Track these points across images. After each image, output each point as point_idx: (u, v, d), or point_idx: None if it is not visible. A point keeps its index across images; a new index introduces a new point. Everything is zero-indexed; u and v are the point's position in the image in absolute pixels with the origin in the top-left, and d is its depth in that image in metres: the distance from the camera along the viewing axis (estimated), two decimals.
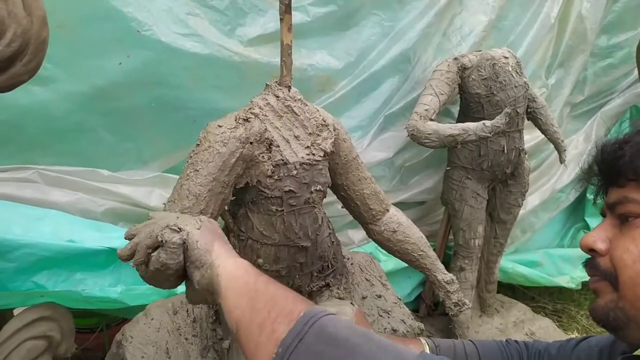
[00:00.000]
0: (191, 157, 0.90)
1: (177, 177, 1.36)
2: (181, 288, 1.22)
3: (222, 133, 0.89)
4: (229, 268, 0.64)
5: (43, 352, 1.03)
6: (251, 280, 0.62)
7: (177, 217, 0.72)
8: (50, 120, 1.22)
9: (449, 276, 1.13)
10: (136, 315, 1.10)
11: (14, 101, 1.14)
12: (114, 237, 1.21)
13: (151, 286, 1.17)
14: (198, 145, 0.91)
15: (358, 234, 1.75)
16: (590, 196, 2.59)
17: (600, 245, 0.66)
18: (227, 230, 1.02)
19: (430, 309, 2.02)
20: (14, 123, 1.19)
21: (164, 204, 0.91)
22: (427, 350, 1.02)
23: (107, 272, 1.21)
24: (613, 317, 0.63)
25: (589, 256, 0.74)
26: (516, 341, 1.00)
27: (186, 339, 1.08)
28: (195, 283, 0.67)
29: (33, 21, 0.71)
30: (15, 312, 1.19)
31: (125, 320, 1.79)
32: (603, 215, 0.70)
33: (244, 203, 0.97)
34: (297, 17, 1.42)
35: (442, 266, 1.14)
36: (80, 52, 1.17)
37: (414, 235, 1.13)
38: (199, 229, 0.70)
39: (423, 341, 1.05)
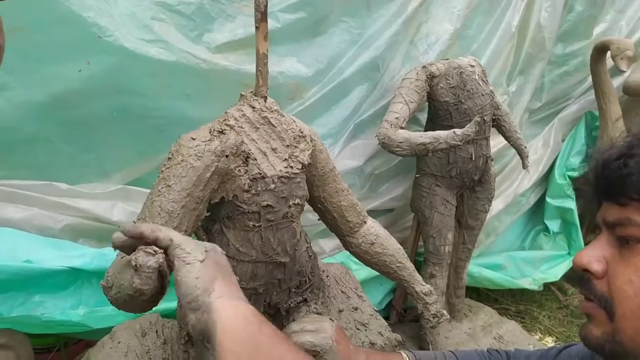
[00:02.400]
0: (162, 171, 0.85)
1: (142, 189, 1.32)
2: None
3: (196, 146, 0.84)
4: (229, 313, 0.56)
5: None
6: (254, 332, 0.55)
7: (184, 239, 0.63)
8: (1, 130, 1.14)
9: (427, 287, 1.11)
10: (101, 339, 1.03)
11: None
12: (75, 256, 1.13)
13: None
14: (170, 159, 0.85)
15: (330, 243, 1.73)
16: (549, 200, 2.68)
17: (597, 267, 0.61)
18: None
19: (401, 315, 2.02)
20: None
21: (134, 221, 0.85)
22: None
23: (68, 293, 1.13)
24: (609, 349, 0.60)
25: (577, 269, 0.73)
26: (497, 351, 0.99)
27: None
28: (189, 327, 0.58)
29: None
30: None
31: (84, 340, 1.69)
32: (604, 224, 0.63)
33: (219, 218, 0.93)
34: (268, 23, 1.39)
35: (420, 277, 1.12)
36: (35, 58, 1.10)
37: (392, 247, 1.11)
38: (202, 260, 0.60)
39: (404, 355, 1.03)
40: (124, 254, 0.79)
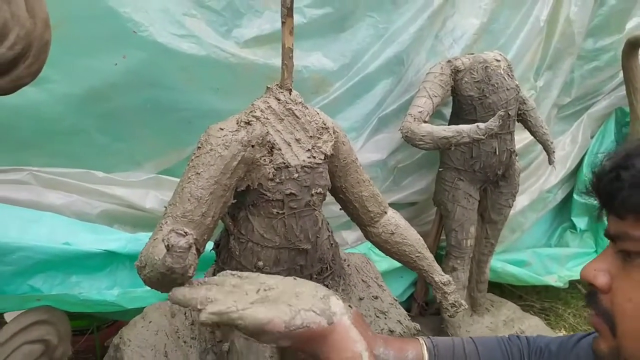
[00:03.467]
0: (192, 160, 0.90)
1: (173, 178, 1.38)
2: None
3: (224, 136, 0.89)
4: None
5: (39, 357, 1.01)
6: None
7: (322, 297, 0.63)
8: (43, 121, 1.21)
9: (446, 277, 1.14)
10: (134, 318, 1.10)
11: (6, 102, 1.13)
12: (110, 240, 1.20)
13: (149, 289, 1.17)
14: (199, 148, 0.90)
15: (352, 234, 1.76)
16: (577, 197, 2.65)
17: (602, 281, 0.59)
18: (226, 233, 1.02)
19: (422, 308, 2.04)
20: (7, 124, 1.18)
21: (165, 207, 0.90)
22: (425, 350, 1.03)
23: (103, 274, 1.20)
24: None
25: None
26: (518, 337, 1.00)
27: (185, 342, 1.08)
28: None
29: (36, 23, 0.70)
30: (7, 315, 1.18)
31: (115, 323, 1.77)
32: (607, 236, 0.62)
33: (245, 206, 0.97)
34: (294, 18, 1.42)
35: (439, 268, 1.15)
36: (75, 53, 1.16)
37: (412, 237, 1.14)
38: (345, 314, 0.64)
39: (421, 341, 1.06)
40: (157, 237, 0.84)
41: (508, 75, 1.67)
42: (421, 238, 1.16)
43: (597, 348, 0.62)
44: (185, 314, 1.14)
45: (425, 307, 2.05)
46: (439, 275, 1.14)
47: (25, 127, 1.19)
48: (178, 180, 1.37)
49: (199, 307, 0.63)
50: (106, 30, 1.16)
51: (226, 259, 1.02)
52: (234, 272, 0.70)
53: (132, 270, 1.23)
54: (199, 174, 0.88)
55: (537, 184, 2.39)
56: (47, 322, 1.04)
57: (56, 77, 1.17)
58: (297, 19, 1.44)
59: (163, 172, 1.39)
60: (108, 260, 1.20)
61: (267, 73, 1.39)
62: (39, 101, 1.16)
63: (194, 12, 1.28)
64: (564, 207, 2.74)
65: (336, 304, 0.65)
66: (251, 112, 0.93)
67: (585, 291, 0.63)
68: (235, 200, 0.96)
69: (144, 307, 1.14)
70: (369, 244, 1.79)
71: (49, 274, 1.12)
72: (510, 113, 1.65)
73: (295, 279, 0.69)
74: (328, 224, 1.08)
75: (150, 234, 1.25)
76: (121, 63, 1.20)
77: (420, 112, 1.53)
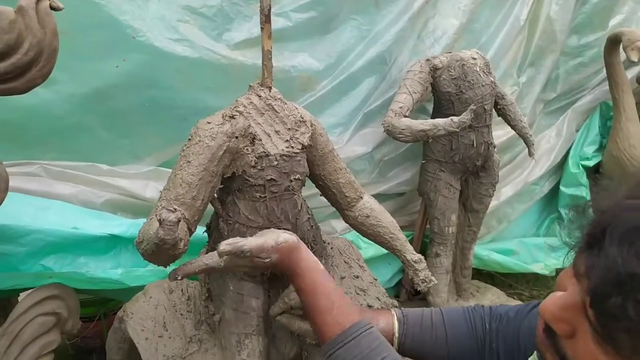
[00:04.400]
0: (184, 150, 1.02)
1: (171, 170, 1.50)
2: None
3: (210, 129, 1.01)
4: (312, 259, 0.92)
5: (52, 328, 1.15)
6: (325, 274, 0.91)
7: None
8: (52, 119, 1.33)
9: (417, 256, 1.25)
10: (136, 295, 1.22)
11: (19, 102, 1.25)
12: (114, 225, 1.33)
13: (149, 269, 1.30)
14: (189, 139, 1.03)
15: (340, 223, 1.87)
16: (563, 188, 2.74)
17: (561, 328, 0.56)
18: (216, 216, 1.14)
19: (411, 294, 2.15)
20: (19, 122, 1.31)
21: (160, 191, 1.02)
22: (395, 320, 1.14)
23: (108, 256, 1.33)
24: None
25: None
26: (482, 306, 1.11)
27: (181, 314, 1.20)
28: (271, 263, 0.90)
29: (46, 33, 0.82)
30: (21, 295, 1.31)
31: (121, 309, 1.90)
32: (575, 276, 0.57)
33: (231, 191, 1.09)
34: (280, 22, 1.55)
35: (411, 247, 1.26)
36: (79, 57, 1.29)
37: (385, 219, 1.25)
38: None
39: (392, 312, 1.17)
40: (152, 216, 0.97)
41: (484, 72, 1.78)
42: (394, 221, 1.27)
43: (544, 357, 0.62)
44: (182, 290, 1.26)
45: (413, 293, 2.16)
46: (411, 254, 1.25)
47: (36, 125, 1.32)
48: None
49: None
50: (108, 37, 1.28)
51: (217, 239, 1.13)
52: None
53: (134, 252, 1.34)
54: (190, 162, 1.00)
55: (522, 176, 2.49)
56: (58, 297, 1.17)
57: (64, 79, 1.29)
58: (284, 22, 1.56)
59: (162, 165, 1.52)
60: (112, 243, 1.32)
61: (256, 73, 1.49)
62: (48, 101, 1.29)
63: (188, 19, 1.40)
64: (552, 198, 2.83)
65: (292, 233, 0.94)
66: (235, 107, 1.05)
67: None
68: (223, 186, 1.08)
69: (145, 285, 1.26)
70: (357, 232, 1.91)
71: (59, 255, 1.25)
72: (485, 107, 1.76)
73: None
74: (309, 207, 1.20)
75: None
76: (122, 66, 1.33)
77: (400, 107, 1.64)
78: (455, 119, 1.52)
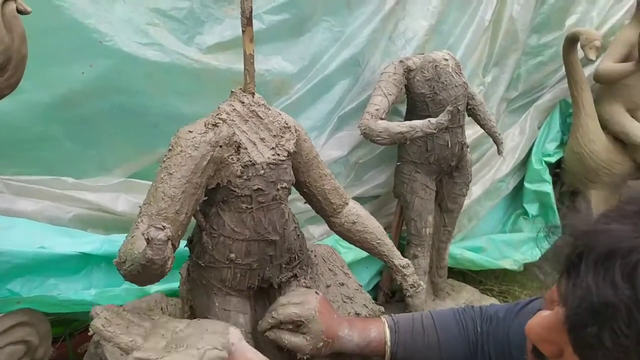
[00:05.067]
0: (164, 161, 0.96)
1: (142, 181, 1.44)
2: (154, 287, 1.28)
3: (193, 138, 0.96)
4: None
5: (22, 357, 1.06)
6: None
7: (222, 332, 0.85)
8: (12, 130, 1.24)
9: (405, 261, 1.24)
10: None
11: None
12: (85, 242, 1.24)
13: (124, 288, 1.23)
14: (170, 150, 0.97)
15: (318, 229, 1.84)
16: (528, 185, 2.81)
17: (547, 349, 0.56)
18: (199, 229, 1.09)
19: (388, 296, 2.14)
20: None
21: (140, 206, 0.96)
22: (386, 328, 1.12)
23: (80, 276, 1.24)
24: None
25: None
26: (472, 307, 1.10)
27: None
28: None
29: (14, 38, 0.75)
30: None
31: (86, 329, 1.80)
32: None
33: (215, 202, 1.04)
34: (253, 25, 1.49)
35: (398, 253, 1.24)
36: (43, 63, 1.19)
37: (372, 225, 1.23)
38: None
39: (383, 319, 1.15)
40: (134, 234, 0.90)
41: (456, 73, 1.78)
42: (380, 226, 1.25)
43: None
44: (161, 308, 1.20)
45: (391, 295, 2.16)
46: (399, 259, 1.24)
47: None
48: (148, 183, 1.43)
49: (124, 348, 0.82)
50: (73, 41, 1.20)
51: (199, 253, 1.08)
52: (147, 313, 0.91)
53: (107, 271, 1.27)
54: (171, 174, 0.94)
55: (490, 174, 2.53)
56: (28, 324, 1.08)
57: (25, 87, 1.17)
58: (257, 25, 1.51)
59: (132, 176, 1.44)
60: (83, 262, 1.24)
61: (229, 77, 1.45)
62: (7, 111, 1.19)
63: (157, 22, 1.33)
64: (517, 195, 2.90)
65: (234, 334, 0.87)
66: (217, 115, 1.00)
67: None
68: (207, 198, 1.02)
69: (122, 305, 1.19)
70: (335, 237, 1.88)
71: (26, 277, 1.16)
72: (459, 108, 1.77)
73: (198, 320, 0.90)
74: (294, 216, 1.16)
75: (124, 235, 1.31)
76: (88, 71, 1.25)
77: (377, 109, 1.63)
78: (432, 120, 1.52)
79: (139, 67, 1.31)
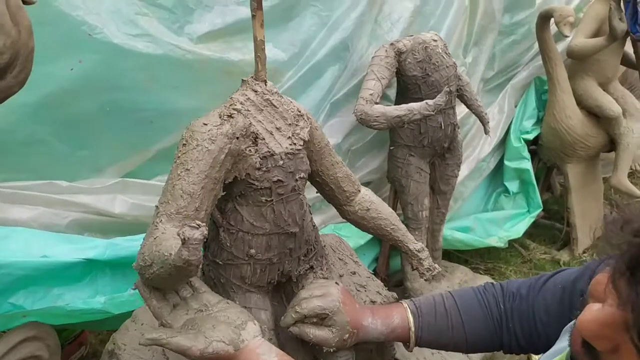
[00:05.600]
0: (179, 157, 0.91)
1: (139, 180, 1.37)
2: None
3: (208, 131, 0.91)
4: None
5: None
6: None
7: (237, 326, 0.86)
8: None
9: (420, 245, 1.22)
10: (124, 323, 1.09)
11: None
12: (88, 248, 1.18)
13: (134, 293, 1.17)
14: (184, 145, 0.92)
15: (315, 218, 1.80)
16: (507, 162, 2.85)
17: (602, 345, 0.54)
18: (214, 226, 1.04)
19: (385, 281, 2.14)
20: None
21: (156, 206, 0.91)
22: (409, 314, 1.11)
23: (84, 284, 1.18)
24: None
25: None
26: (492, 284, 1.10)
27: None
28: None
29: (21, 31, 0.69)
30: None
31: (77, 339, 1.72)
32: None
33: (232, 197, 1.00)
34: (243, 12, 1.44)
35: (412, 237, 1.23)
36: None
37: (386, 211, 1.21)
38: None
39: (405, 305, 1.13)
40: (157, 235, 0.85)
41: (446, 53, 1.78)
42: (393, 212, 1.23)
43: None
44: None
45: (387, 280, 2.16)
46: (413, 243, 1.23)
47: None
48: (145, 181, 1.38)
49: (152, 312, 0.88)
50: (60, 36, 1.13)
51: (216, 251, 1.04)
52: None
53: (112, 276, 1.21)
54: (189, 170, 0.89)
55: (474, 154, 2.56)
56: (36, 338, 1.02)
57: None
58: (247, 12, 1.45)
59: (127, 176, 1.37)
60: (87, 268, 1.18)
61: (223, 67, 1.40)
62: None
63: (146, 11, 1.27)
64: (497, 173, 2.95)
65: (251, 330, 0.85)
66: (231, 105, 0.96)
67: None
68: (224, 193, 0.98)
69: (131, 311, 1.13)
70: (332, 226, 1.87)
71: (29, 289, 1.09)
72: (452, 89, 1.76)
73: (228, 303, 0.91)
74: (309, 206, 1.13)
75: (127, 238, 1.25)
76: (77, 68, 1.18)
77: (371, 94, 1.60)
78: (430, 102, 1.51)
79: (130, 60, 1.24)
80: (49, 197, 1.21)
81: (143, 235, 0.86)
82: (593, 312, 0.55)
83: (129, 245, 1.21)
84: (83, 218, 1.26)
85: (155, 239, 0.84)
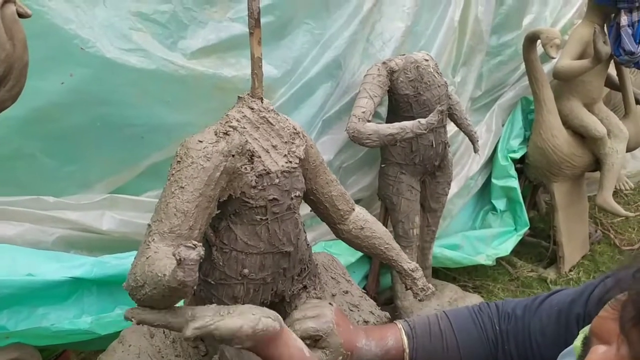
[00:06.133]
0: (173, 174, 0.89)
1: (128, 197, 1.35)
2: None
3: (204, 148, 0.89)
4: None
5: None
6: None
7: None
8: None
9: (414, 264, 1.21)
10: (111, 344, 1.05)
11: None
12: (75, 266, 1.15)
13: (120, 313, 1.14)
14: (179, 162, 0.90)
15: (307, 235, 1.79)
16: (495, 181, 2.88)
17: None
18: (208, 245, 1.02)
19: (375, 299, 2.12)
20: None
21: (148, 224, 0.89)
22: (403, 335, 1.09)
23: (70, 303, 1.14)
24: None
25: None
26: (487, 304, 1.09)
27: None
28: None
29: (15, 45, 0.67)
30: None
31: (63, 354, 1.67)
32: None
33: (225, 216, 0.98)
34: (236, 28, 1.44)
35: (406, 256, 1.22)
36: None
37: (380, 230, 1.20)
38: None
39: (399, 325, 1.12)
40: (149, 255, 0.83)
41: (437, 72, 1.80)
42: (387, 231, 1.22)
43: None
44: (164, 332, 1.11)
45: (377, 299, 2.14)
46: (407, 262, 1.21)
47: None
48: (134, 197, 1.35)
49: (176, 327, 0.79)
50: (52, 49, 1.11)
51: (208, 270, 1.01)
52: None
53: (99, 295, 1.18)
54: (183, 187, 0.87)
55: (463, 172, 2.57)
56: None
57: None
58: (241, 28, 1.46)
59: (116, 191, 1.35)
60: (74, 287, 1.14)
61: (216, 83, 1.39)
62: None
63: (140, 26, 1.26)
64: (485, 191, 2.97)
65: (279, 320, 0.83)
66: (227, 122, 0.94)
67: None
68: (218, 211, 0.96)
69: (119, 332, 1.10)
70: (323, 244, 1.85)
71: (13, 309, 1.05)
72: (443, 108, 1.77)
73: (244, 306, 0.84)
74: (303, 225, 1.12)
75: (115, 256, 1.22)
76: (68, 82, 1.16)
77: (363, 112, 1.61)
78: (422, 120, 1.51)
79: (123, 75, 1.23)
80: (35, 213, 1.18)
81: (132, 253, 0.83)
82: (599, 354, 0.53)
83: (117, 263, 1.18)
84: (70, 235, 1.23)
85: (147, 258, 0.82)
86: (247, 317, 0.76)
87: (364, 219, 1.19)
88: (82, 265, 1.15)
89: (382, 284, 2.18)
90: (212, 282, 1.01)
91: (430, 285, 1.22)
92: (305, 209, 1.31)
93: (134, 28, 1.24)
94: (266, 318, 0.77)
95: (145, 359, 1.05)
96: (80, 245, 1.25)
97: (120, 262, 1.17)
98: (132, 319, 0.75)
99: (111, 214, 1.30)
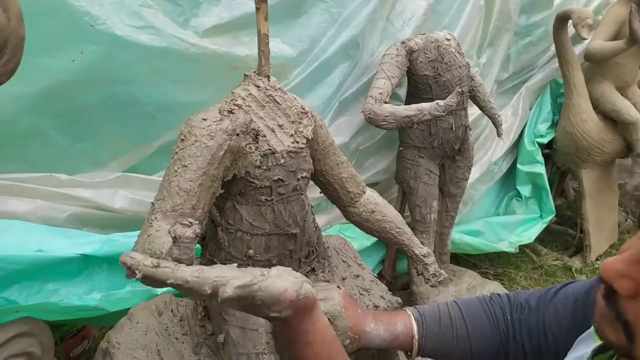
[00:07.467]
0: (176, 152, 0.88)
1: (141, 176, 1.35)
2: (162, 289, 1.20)
3: (208, 126, 0.88)
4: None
5: None
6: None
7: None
8: None
9: (425, 249, 1.18)
10: (119, 321, 1.06)
11: None
12: (85, 243, 1.15)
13: (130, 290, 1.15)
14: (183, 140, 0.89)
15: (321, 218, 1.78)
16: (520, 166, 2.80)
17: (624, 287, 0.51)
18: (213, 224, 1.01)
19: (390, 284, 2.10)
20: None
21: (152, 202, 0.88)
22: (413, 321, 1.07)
23: (80, 279, 1.15)
24: (621, 355, 0.55)
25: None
26: (499, 295, 1.06)
27: (176, 338, 1.06)
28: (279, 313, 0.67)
29: (10, 18, 0.66)
30: None
31: (80, 332, 1.71)
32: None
33: (231, 196, 0.97)
34: (249, 6, 1.41)
35: (417, 241, 1.19)
36: (28, 51, 1.08)
37: (391, 213, 1.17)
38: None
39: (408, 312, 1.10)
40: (150, 233, 0.82)
41: (459, 53, 1.73)
42: (399, 214, 1.19)
43: (602, 329, 0.56)
44: (172, 310, 1.12)
45: (393, 283, 2.12)
46: (419, 248, 1.18)
47: None
48: (146, 176, 1.35)
49: (209, 291, 0.64)
50: (62, 26, 1.10)
51: (214, 250, 1.01)
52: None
53: (109, 272, 1.19)
54: (186, 166, 0.86)
55: (486, 157, 2.50)
56: (29, 334, 1.00)
57: None
58: (254, 6, 1.42)
59: (128, 170, 1.35)
60: (84, 264, 1.15)
61: (228, 62, 1.37)
62: None
63: (151, 3, 1.24)
64: (509, 177, 2.89)
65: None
66: (232, 100, 0.92)
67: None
68: (223, 191, 0.95)
69: (127, 309, 1.10)
70: (338, 227, 1.83)
71: (24, 284, 1.06)
72: (464, 89, 1.72)
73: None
74: (312, 207, 1.10)
75: (125, 234, 1.22)
76: (79, 59, 1.15)
77: (380, 93, 1.56)
78: (441, 102, 1.46)
79: (134, 53, 1.21)
80: (47, 190, 1.19)
81: None
82: (619, 255, 0.54)
83: (127, 241, 1.18)
84: (82, 212, 1.24)
85: (148, 236, 0.81)
86: (290, 280, 0.65)
87: (374, 202, 1.16)
88: (92, 243, 1.15)
89: (398, 269, 2.16)
90: (218, 262, 1.00)
91: (443, 271, 1.19)
92: (316, 191, 1.29)
93: (145, 5, 1.22)
94: (306, 283, 0.68)
95: (152, 336, 1.05)
96: (92, 223, 1.26)
97: (130, 240, 1.16)
98: (136, 271, 0.63)
99: (124, 192, 1.30)
